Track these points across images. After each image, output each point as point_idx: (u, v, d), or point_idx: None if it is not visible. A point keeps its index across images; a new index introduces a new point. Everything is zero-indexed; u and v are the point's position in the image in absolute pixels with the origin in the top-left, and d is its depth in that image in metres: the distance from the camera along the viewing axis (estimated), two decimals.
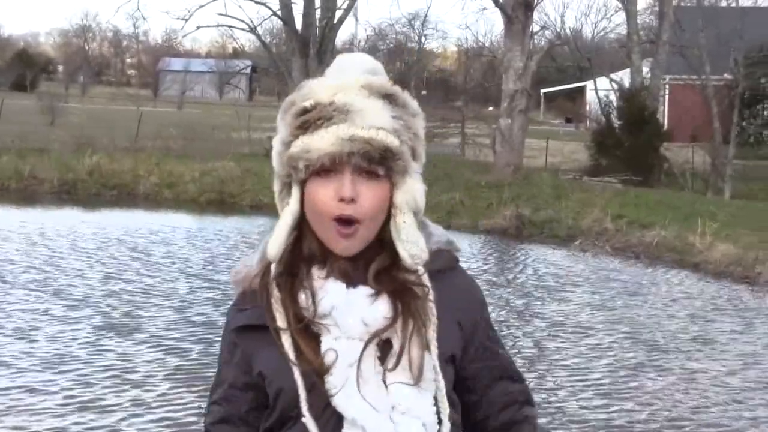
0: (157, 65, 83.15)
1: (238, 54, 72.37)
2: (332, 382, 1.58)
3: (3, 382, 6.84)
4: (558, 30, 43.86)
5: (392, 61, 63.97)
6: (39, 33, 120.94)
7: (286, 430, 1.63)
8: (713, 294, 12.10)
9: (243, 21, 31.30)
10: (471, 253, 14.63)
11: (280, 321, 1.62)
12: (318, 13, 27.31)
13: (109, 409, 6.38)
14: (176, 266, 11.91)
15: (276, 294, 1.63)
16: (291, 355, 1.60)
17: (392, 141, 1.60)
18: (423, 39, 67.42)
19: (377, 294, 1.62)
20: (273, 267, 1.65)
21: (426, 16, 58.46)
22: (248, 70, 69.29)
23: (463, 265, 1.76)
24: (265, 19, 36.47)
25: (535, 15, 26.06)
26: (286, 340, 1.61)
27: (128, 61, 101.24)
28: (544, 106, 62.23)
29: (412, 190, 1.65)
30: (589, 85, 42.22)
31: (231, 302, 1.78)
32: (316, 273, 1.64)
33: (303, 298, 1.62)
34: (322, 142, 1.58)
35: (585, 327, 9.68)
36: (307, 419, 1.58)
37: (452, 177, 20.38)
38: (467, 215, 17.90)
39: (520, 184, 20.29)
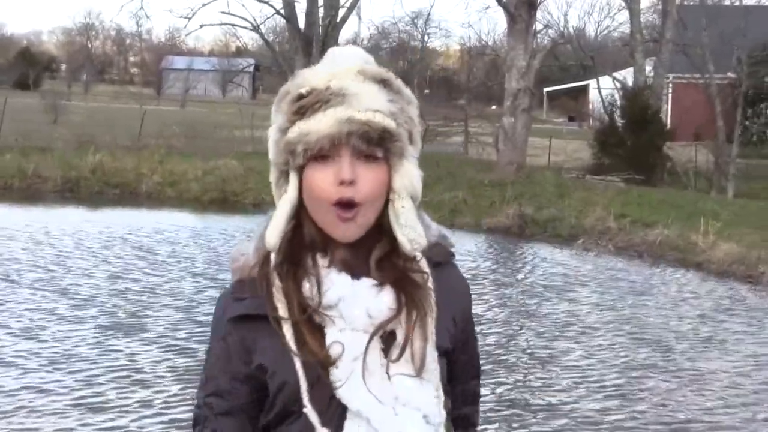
0: (160, 64, 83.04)
1: (241, 52, 72.40)
2: (337, 374, 1.57)
3: (10, 382, 6.86)
4: (561, 28, 43.92)
5: (395, 60, 63.92)
6: (42, 31, 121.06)
7: (287, 425, 1.62)
8: (719, 294, 12.11)
9: (246, 19, 31.28)
10: (475, 252, 14.65)
11: (282, 311, 1.60)
12: (321, 12, 27.35)
13: (115, 409, 6.40)
14: (181, 265, 11.92)
15: (277, 283, 1.62)
16: (293, 345, 1.58)
17: (389, 123, 1.60)
18: (426, 38, 67.35)
19: (381, 285, 1.62)
20: (273, 256, 1.64)
21: (429, 14, 58.59)
22: (251, 69, 69.23)
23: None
24: (268, 18, 36.47)
25: (538, 13, 26.13)
26: (288, 331, 1.59)
27: (131, 59, 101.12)
28: (547, 105, 62.20)
29: (409, 174, 1.64)
30: (592, 83, 42.17)
31: (223, 291, 1.74)
32: (321, 261, 1.64)
33: (308, 287, 1.61)
34: (321, 125, 1.58)
35: (594, 327, 9.70)
36: (309, 411, 1.57)
37: (455, 176, 20.39)
38: (470, 214, 17.92)
39: (523, 182, 20.30)
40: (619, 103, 29.22)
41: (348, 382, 1.57)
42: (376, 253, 1.65)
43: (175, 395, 6.69)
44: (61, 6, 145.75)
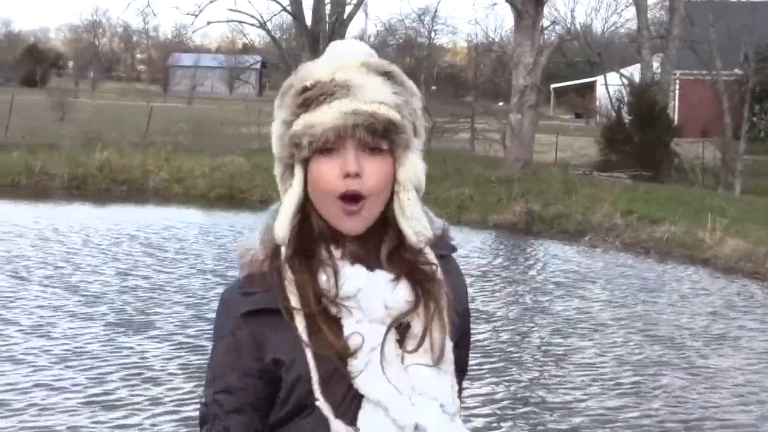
0: (166, 61, 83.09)
1: (248, 49, 72.41)
2: (356, 365, 1.57)
3: (20, 379, 6.86)
4: (568, 25, 43.85)
5: (402, 57, 63.85)
6: (49, 28, 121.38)
7: (299, 420, 1.61)
8: (730, 291, 12.09)
9: (253, 16, 31.33)
10: (485, 249, 14.67)
11: (295, 302, 1.60)
12: (328, 9, 27.38)
13: (127, 407, 6.40)
14: (190, 262, 11.93)
15: (289, 276, 1.61)
16: (305, 337, 1.58)
17: (394, 115, 1.60)
18: (433, 34, 67.16)
19: (397, 278, 1.63)
20: (283, 249, 1.63)
21: (436, 11, 58.27)
22: (258, 66, 69.22)
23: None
24: (275, 15, 36.47)
25: (545, 10, 26.07)
26: (300, 323, 1.59)
27: (138, 56, 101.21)
28: (554, 102, 62.07)
29: (414, 166, 1.65)
30: (599, 80, 42.09)
31: (225, 290, 1.73)
32: (335, 253, 1.63)
33: (324, 278, 1.60)
34: (326, 117, 1.58)
35: (606, 324, 9.70)
36: (322, 403, 1.57)
37: (462, 172, 20.40)
38: (477, 210, 17.92)
39: (530, 179, 20.28)
40: (626, 99, 29.17)
41: (366, 373, 1.57)
42: (385, 246, 1.65)
43: (187, 393, 6.67)
44: (69, 3, 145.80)
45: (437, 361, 1.62)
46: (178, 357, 7.60)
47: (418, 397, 1.59)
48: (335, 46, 1.71)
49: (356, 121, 1.57)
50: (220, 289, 10.05)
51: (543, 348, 8.66)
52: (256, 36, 77.47)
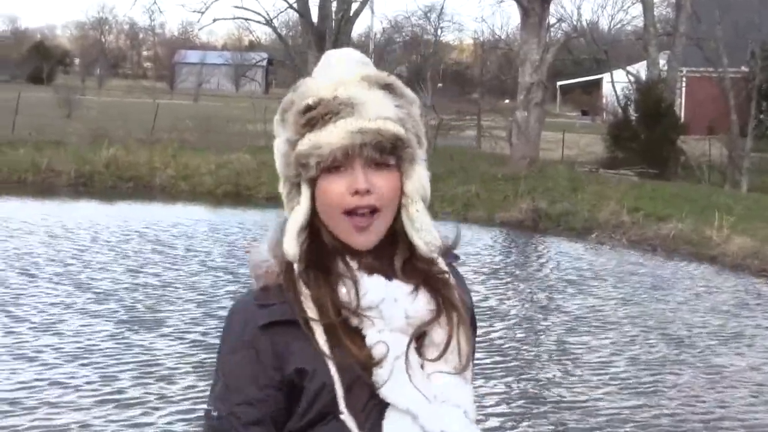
0: (173, 58, 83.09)
1: (254, 46, 72.38)
2: (381, 374, 1.57)
3: (29, 375, 6.86)
4: (574, 22, 43.66)
5: (408, 54, 63.93)
6: (56, 26, 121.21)
7: (320, 427, 1.60)
8: (740, 289, 12.06)
9: (259, 14, 31.39)
10: (493, 247, 14.67)
11: (313, 315, 1.60)
12: (334, 6, 27.38)
13: (134, 402, 6.41)
14: (199, 259, 11.95)
15: (305, 291, 1.61)
16: (326, 349, 1.58)
17: (400, 130, 1.61)
18: (439, 31, 67.09)
19: (416, 288, 1.63)
20: (296, 266, 1.63)
21: (442, 8, 58.53)
22: (264, 63, 69.17)
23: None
24: (281, 12, 36.59)
25: (552, 7, 26.09)
26: (321, 336, 1.58)
27: (144, 53, 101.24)
28: (560, 99, 62.00)
29: (420, 177, 1.65)
30: (605, 77, 42.09)
31: (237, 302, 1.72)
32: (353, 264, 1.63)
33: (344, 291, 1.60)
34: (332, 136, 1.58)
35: (620, 323, 9.68)
36: (346, 416, 1.57)
37: (468, 170, 20.41)
38: (483, 208, 17.93)
39: (536, 176, 20.28)
40: (632, 96, 29.15)
41: (391, 381, 1.57)
42: (398, 258, 1.66)
43: (201, 392, 6.61)
44: (75, 0, 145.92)
45: (462, 370, 1.64)
46: (191, 355, 7.58)
47: (440, 404, 1.61)
48: (330, 57, 1.70)
49: (363, 139, 1.58)
50: (231, 287, 10.13)
51: (558, 347, 8.64)
52: (262, 33, 77.42)
